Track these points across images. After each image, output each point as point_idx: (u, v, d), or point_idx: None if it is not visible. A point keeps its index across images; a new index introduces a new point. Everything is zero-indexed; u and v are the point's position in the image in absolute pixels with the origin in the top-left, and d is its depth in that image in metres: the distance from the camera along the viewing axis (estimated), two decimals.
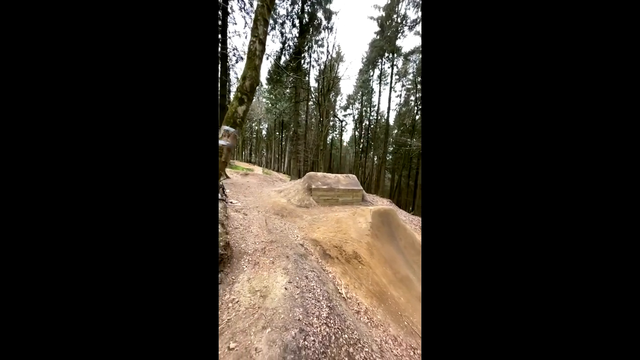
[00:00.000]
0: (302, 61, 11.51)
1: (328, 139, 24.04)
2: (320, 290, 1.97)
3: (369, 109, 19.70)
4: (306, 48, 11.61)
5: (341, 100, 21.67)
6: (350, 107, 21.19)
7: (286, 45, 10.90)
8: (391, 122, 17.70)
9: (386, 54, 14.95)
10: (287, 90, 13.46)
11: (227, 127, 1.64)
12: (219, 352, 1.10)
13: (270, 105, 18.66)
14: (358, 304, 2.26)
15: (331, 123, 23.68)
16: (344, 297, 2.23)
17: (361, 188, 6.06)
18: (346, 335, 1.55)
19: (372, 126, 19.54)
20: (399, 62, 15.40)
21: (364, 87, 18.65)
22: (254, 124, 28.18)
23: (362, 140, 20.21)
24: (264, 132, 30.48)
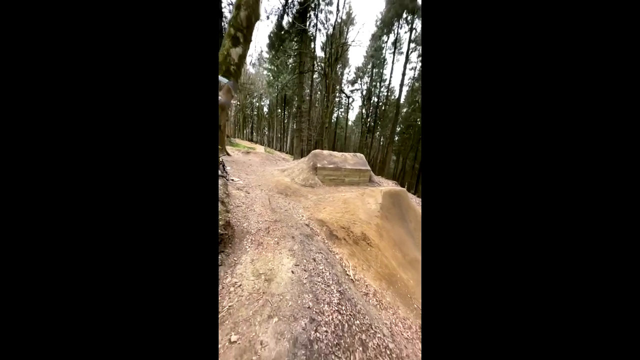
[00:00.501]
0: (308, 22, 10.08)
1: (333, 117, 22.85)
2: (330, 273, 1.83)
3: (378, 83, 18.10)
4: (312, 5, 10.04)
5: (349, 74, 19.89)
6: (359, 82, 19.49)
7: (290, 1, 9.41)
8: (403, 99, 16.35)
9: (405, 15, 13.00)
10: (290, 60, 12.18)
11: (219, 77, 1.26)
12: (219, 346, 0.95)
13: (272, 77, 17.25)
14: (366, 286, 2.16)
15: (337, 99, 22.27)
16: (352, 279, 2.13)
17: (369, 168, 5.76)
18: (358, 322, 1.44)
19: (380, 103, 18.21)
20: (419, 25, 13.46)
21: (375, 56, 16.78)
22: (254, 100, 26.68)
23: (369, 119, 19.11)
24: (265, 109, 29.07)
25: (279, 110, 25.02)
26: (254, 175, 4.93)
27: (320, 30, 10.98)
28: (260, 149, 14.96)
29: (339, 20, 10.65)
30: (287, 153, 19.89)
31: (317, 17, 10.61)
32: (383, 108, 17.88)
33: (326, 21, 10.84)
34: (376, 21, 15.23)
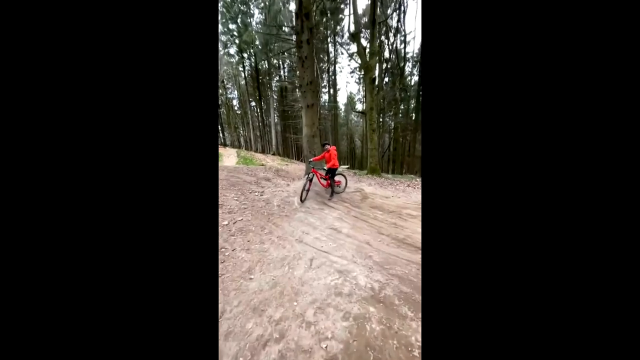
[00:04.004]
0: None
1: (323, 99, 16.93)
2: None
3: (390, 34, 12.44)
4: None
5: (343, 29, 13.92)
6: (364, 33, 13.60)
7: None
8: None
9: None
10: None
11: None
12: None
13: (237, 48, 10.75)
14: None
15: (324, 81, 16.29)
16: None
17: None
18: None
19: (400, 64, 12.65)
20: None
21: None
22: (219, 90, 19.68)
23: (383, 94, 13.57)
24: (235, 103, 22.16)
25: (253, 104, 18.47)
26: None
27: None
28: (229, 156, 8.92)
29: None
30: (274, 154, 13.88)
31: None
32: (401, 71, 12.40)
33: None
34: None
